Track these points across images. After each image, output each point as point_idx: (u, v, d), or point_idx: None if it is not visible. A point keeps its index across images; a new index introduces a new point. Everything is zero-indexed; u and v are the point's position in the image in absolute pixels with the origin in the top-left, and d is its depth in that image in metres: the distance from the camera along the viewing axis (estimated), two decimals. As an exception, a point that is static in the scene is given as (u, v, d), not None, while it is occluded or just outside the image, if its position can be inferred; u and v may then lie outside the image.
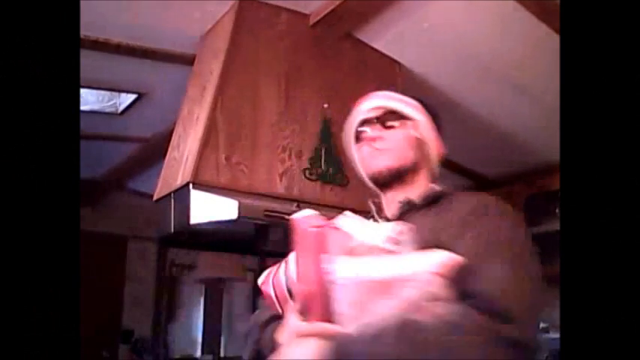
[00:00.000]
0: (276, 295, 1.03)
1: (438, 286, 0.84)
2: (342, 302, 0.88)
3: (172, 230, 1.97)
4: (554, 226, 3.23)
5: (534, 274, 0.92)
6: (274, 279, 1.04)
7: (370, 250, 0.90)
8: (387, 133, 1.10)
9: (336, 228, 0.93)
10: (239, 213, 1.82)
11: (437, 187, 1.12)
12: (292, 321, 0.93)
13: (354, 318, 0.86)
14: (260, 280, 1.08)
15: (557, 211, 3.31)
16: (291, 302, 0.98)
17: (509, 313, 0.83)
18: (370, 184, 1.16)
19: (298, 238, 0.95)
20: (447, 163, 3.88)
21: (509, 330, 0.82)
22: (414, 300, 0.83)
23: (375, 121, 1.11)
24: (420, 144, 1.13)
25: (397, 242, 0.90)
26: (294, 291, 0.98)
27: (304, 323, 0.92)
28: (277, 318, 1.02)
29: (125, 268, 4.57)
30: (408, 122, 1.12)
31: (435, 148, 1.17)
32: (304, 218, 0.96)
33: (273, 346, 0.96)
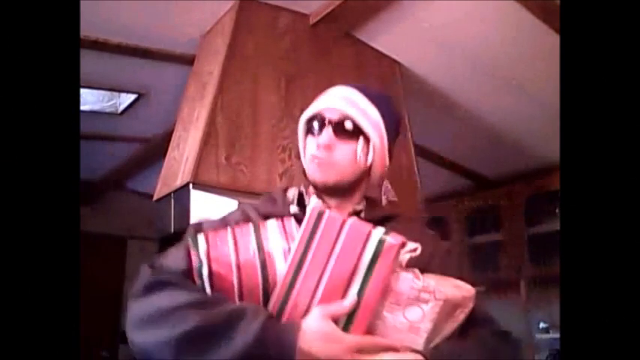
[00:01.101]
0: (240, 283, 0.88)
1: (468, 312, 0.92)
2: (417, 316, 0.87)
3: (172, 230, 1.97)
4: (554, 226, 3.23)
5: None
6: (244, 263, 0.88)
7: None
8: (338, 144, 1.02)
9: (406, 241, 0.90)
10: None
11: (382, 212, 1.09)
12: (337, 331, 0.84)
13: (432, 338, 0.88)
14: (203, 256, 0.89)
15: (557, 211, 3.31)
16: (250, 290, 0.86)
17: (512, 337, 1.00)
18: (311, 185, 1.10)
19: (355, 241, 0.87)
20: (447, 163, 3.88)
21: (513, 352, 1.01)
22: (460, 324, 0.91)
23: (331, 125, 1.02)
24: (365, 162, 1.04)
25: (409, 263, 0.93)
26: (283, 280, 0.86)
27: (367, 337, 0.86)
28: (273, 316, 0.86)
29: (125, 268, 4.57)
30: (361, 137, 1.03)
31: (380, 167, 1.07)
32: (361, 223, 0.90)
33: (301, 354, 0.82)
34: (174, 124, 2.29)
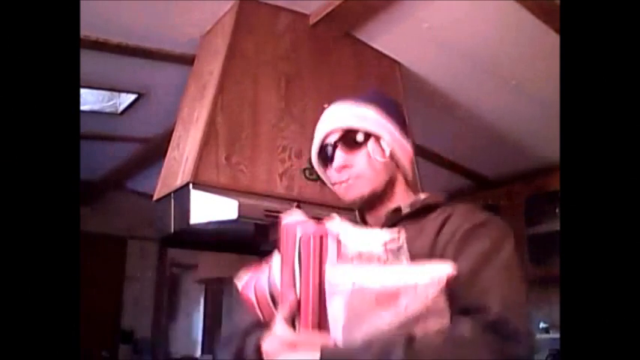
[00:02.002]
0: (257, 301, 0.99)
1: (439, 299, 0.83)
2: (338, 312, 0.85)
3: (172, 230, 1.97)
4: (554, 226, 3.23)
5: (524, 286, 0.95)
6: (256, 284, 1.00)
7: (367, 257, 0.89)
8: (351, 157, 1.03)
9: (332, 234, 0.89)
10: (239, 213, 1.82)
11: (423, 198, 1.08)
12: (280, 329, 0.89)
13: (351, 329, 0.84)
14: (240, 285, 1.04)
15: (557, 211, 3.31)
16: (275, 310, 0.95)
17: (512, 329, 0.84)
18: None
19: (291, 242, 0.90)
20: (447, 163, 3.88)
21: (515, 348, 0.84)
22: (415, 313, 0.83)
23: (337, 145, 1.04)
24: (387, 158, 1.05)
25: (393, 250, 0.89)
26: (279, 297, 0.94)
27: (293, 332, 0.88)
28: (259, 325, 0.98)
29: (125, 268, 4.57)
30: (372, 138, 1.04)
31: (404, 152, 1.09)
32: (298, 222, 0.93)
33: (258, 356, 0.93)
34: (174, 124, 2.28)
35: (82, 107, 2.98)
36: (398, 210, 1.06)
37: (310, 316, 0.87)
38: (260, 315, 0.99)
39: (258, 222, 1.90)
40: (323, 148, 1.07)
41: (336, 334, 0.85)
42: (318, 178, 2.08)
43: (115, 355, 4.29)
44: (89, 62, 2.41)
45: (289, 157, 2.07)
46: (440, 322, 0.84)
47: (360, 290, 0.83)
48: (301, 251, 0.88)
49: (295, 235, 0.90)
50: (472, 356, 0.81)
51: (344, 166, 1.04)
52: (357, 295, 0.83)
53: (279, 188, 2.01)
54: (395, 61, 2.54)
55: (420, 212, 1.04)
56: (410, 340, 0.81)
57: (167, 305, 4.85)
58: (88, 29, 2.30)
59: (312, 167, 2.09)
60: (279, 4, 2.24)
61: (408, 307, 0.82)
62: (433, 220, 1.01)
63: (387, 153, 1.05)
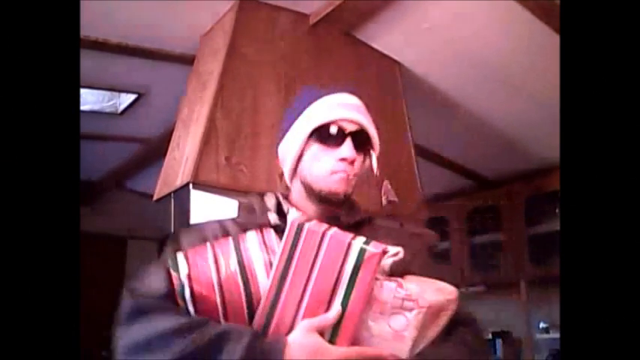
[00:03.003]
0: (224, 301, 0.87)
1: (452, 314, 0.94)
2: (403, 329, 0.87)
3: (172, 230, 1.97)
4: (554, 226, 3.23)
5: None
6: (226, 279, 0.87)
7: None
8: (357, 158, 1.02)
9: (386, 249, 0.90)
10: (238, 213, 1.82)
11: (360, 215, 1.08)
12: (323, 343, 0.84)
13: (416, 345, 0.88)
14: (184, 278, 0.87)
15: (557, 211, 3.31)
16: (246, 313, 0.86)
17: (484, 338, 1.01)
18: (306, 192, 1.05)
19: (336, 253, 0.86)
20: (447, 163, 3.87)
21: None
22: (445, 325, 0.92)
23: (349, 135, 1.01)
24: (375, 174, 1.06)
25: (393, 266, 0.93)
26: (289, 302, 0.86)
27: (345, 348, 0.85)
28: (258, 335, 0.85)
29: (125, 268, 4.57)
30: (370, 150, 1.04)
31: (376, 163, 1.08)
32: (339, 234, 0.89)
33: None
34: (174, 124, 2.28)
35: (82, 107, 2.98)
36: (338, 219, 1.03)
37: (353, 330, 0.86)
38: (214, 316, 0.87)
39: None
40: (332, 125, 1.01)
41: (401, 350, 0.87)
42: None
43: (115, 355, 4.29)
44: (89, 62, 2.42)
45: (289, 157, 2.07)
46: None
47: (424, 312, 0.88)
48: (362, 267, 0.85)
49: (346, 247, 0.86)
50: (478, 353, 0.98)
51: (351, 161, 1.00)
52: (423, 316, 0.88)
53: (279, 188, 2.00)
54: (395, 61, 2.54)
55: (355, 224, 1.04)
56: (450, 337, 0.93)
57: (167, 305, 4.84)
58: (88, 29, 2.30)
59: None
60: (279, 4, 2.24)
61: (443, 320, 0.92)
62: (369, 231, 1.01)
63: (376, 172, 1.05)
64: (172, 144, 2.21)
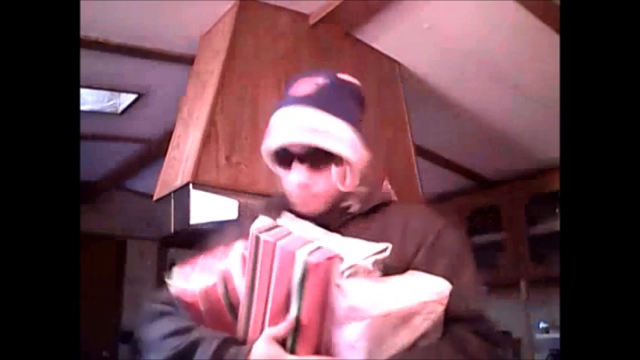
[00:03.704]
0: (209, 309, 0.91)
1: (442, 314, 0.89)
2: (356, 336, 0.84)
3: (172, 230, 1.97)
4: (554, 226, 3.23)
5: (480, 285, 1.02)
6: (206, 290, 0.91)
7: (355, 271, 0.89)
8: (313, 178, 0.99)
9: (336, 256, 0.86)
10: (239, 213, 1.82)
11: (375, 198, 1.06)
12: (277, 351, 0.85)
13: (373, 352, 0.84)
14: (174, 289, 0.95)
15: (557, 211, 3.31)
16: (234, 321, 0.90)
17: (498, 335, 0.94)
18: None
19: (285, 263, 0.85)
20: (447, 163, 3.87)
21: (505, 351, 0.92)
22: (427, 329, 0.87)
23: (297, 158, 0.99)
24: (344, 183, 1.01)
25: (379, 263, 0.90)
26: (243, 309, 0.89)
27: (302, 357, 0.85)
28: (231, 342, 0.90)
29: (125, 269, 4.57)
30: (333, 163, 0.99)
31: (361, 164, 1.03)
32: (290, 242, 0.87)
33: None
34: (174, 124, 2.28)
35: (82, 107, 2.98)
36: (347, 208, 1.03)
37: (313, 340, 0.85)
38: (204, 323, 0.93)
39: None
40: (281, 150, 1.02)
41: (353, 357, 0.84)
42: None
43: (115, 355, 4.29)
44: (89, 62, 2.41)
45: (289, 157, 2.07)
46: (439, 333, 0.89)
47: (383, 315, 0.84)
48: (309, 273, 0.83)
49: (294, 254, 0.85)
50: None
51: (305, 185, 1.00)
52: (380, 320, 0.84)
53: (279, 188, 2.01)
54: (395, 61, 2.54)
55: (369, 211, 1.04)
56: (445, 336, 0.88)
57: (167, 305, 4.84)
58: (88, 29, 2.30)
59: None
60: (279, 4, 2.24)
61: (421, 324, 0.86)
62: (389, 225, 1.01)
63: (353, 182, 1.01)
64: (172, 144, 2.21)
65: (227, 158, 1.94)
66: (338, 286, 0.86)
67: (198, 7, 2.23)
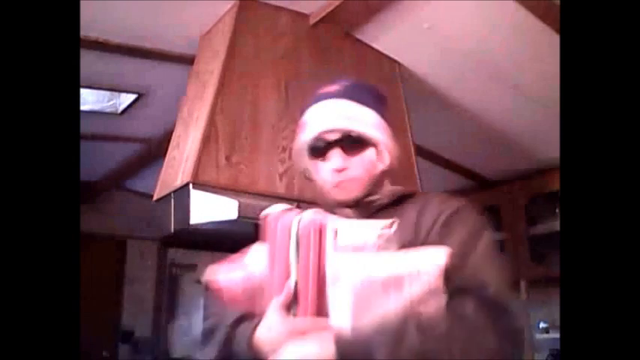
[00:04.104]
0: (243, 294, 1.00)
1: (438, 282, 0.87)
2: (344, 299, 0.87)
3: (172, 230, 1.97)
4: (554, 226, 3.23)
5: (502, 262, 1.00)
6: (240, 277, 1.02)
7: (361, 247, 0.91)
8: (349, 161, 1.04)
9: (330, 224, 0.92)
10: (239, 213, 1.82)
11: (394, 188, 1.11)
12: (277, 318, 0.91)
13: (359, 315, 0.86)
14: (207, 277, 1.04)
15: (557, 211, 3.31)
16: (262, 301, 0.96)
17: (506, 303, 0.91)
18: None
19: (284, 233, 0.94)
20: (447, 163, 3.87)
21: (510, 320, 0.90)
22: (420, 296, 0.86)
23: (334, 145, 1.04)
24: (381, 163, 1.07)
25: (386, 239, 0.92)
26: (269, 288, 0.96)
27: (293, 319, 0.90)
28: (246, 317, 0.98)
29: (125, 269, 4.57)
30: (371, 142, 1.05)
31: (393, 155, 1.09)
32: (287, 213, 0.97)
33: (252, 346, 0.93)
34: (175, 124, 2.28)
35: (82, 107, 2.98)
36: (373, 201, 1.08)
37: (310, 304, 0.90)
38: (244, 308, 1.00)
39: (258, 222, 1.90)
40: (317, 140, 1.06)
41: (342, 320, 0.87)
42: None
43: (115, 355, 4.29)
44: (89, 62, 2.41)
45: (289, 157, 2.07)
46: (438, 302, 0.87)
47: (367, 278, 0.87)
48: (300, 241, 0.92)
49: (290, 226, 0.93)
50: (478, 331, 0.86)
51: (343, 169, 1.04)
52: (365, 283, 0.87)
53: (279, 188, 2.01)
54: (395, 61, 2.54)
55: (394, 202, 1.08)
56: (420, 321, 0.84)
57: (167, 305, 4.84)
58: (88, 29, 2.30)
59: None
60: (279, 4, 2.24)
61: (411, 291, 0.86)
62: (410, 209, 1.04)
63: (386, 161, 1.07)
64: (172, 144, 2.21)
65: (227, 158, 1.94)
66: (330, 253, 0.90)
67: (198, 7, 2.23)
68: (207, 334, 1.02)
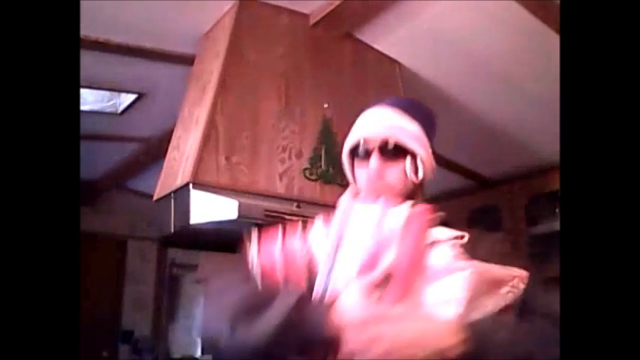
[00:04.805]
0: (286, 267, 0.99)
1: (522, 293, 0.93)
2: (455, 291, 0.88)
3: (172, 230, 1.97)
4: (554, 226, 3.23)
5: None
6: (284, 250, 1.01)
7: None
8: (387, 167, 1.07)
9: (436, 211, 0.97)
10: (239, 213, 1.82)
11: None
12: (366, 298, 0.88)
13: (469, 309, 0.88)
14: (253, 251, 1.03)
15: (557, 211, 3.31)
16: (308, 278, 0.97)
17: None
18: None
19: (379, 217, 0.95)
20: (447, 163, 3.88)
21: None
22: (511, 301, 0.91)
23: (378, 149, 1.08)
24: (416, 177, 1.10)
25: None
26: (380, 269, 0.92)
27: (395, 305, 0.88)
28: (305, 298, 0.93)
29: (125, 269, 4.57)
30: (409, 155, 1.09)
31: (429, 171, 1.12)
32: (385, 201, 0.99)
33: (331, 323, 0.87)
34: (175, 124, 2.29)
35: (82, 107, 2.98)
36: None
37: (403, 290, 0.89)
38: (282, 283, 0.99)
39: (258, 222, 1.91)
40: (359, 145, 1.10)
41: (450, 312, 0.88)
42: (318, 178, 2.10)
43: (115, 355, 4.29)
44: (89, 62, 2.41)
45: (289, 157, 2.07)
46: (516, 312, 0.92)
47: (479, 273, 0.90)
48: (408, 225, 0.93)
49: (413, 214, 0.95)
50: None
51: (380, 172, 1.06)
52: (477, 277, 0.89)
53: (279, 188, 2.01)
54: (395, 61, 2.54)
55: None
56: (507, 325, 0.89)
57: (167, 305, 4.84)
58: (88, 29, 2.30)
59: (312, 167, 2.11)
60: (279, 4, 2.24)
61: (507, 295, 0.91)
62: None
63: (421, 175, 1.09)
64: (172, 144, 2.22)
65: (227, 158, 1.94)
66: (434, 244, 0.94)
67: (198, 7, 2.23)
68: (256, 309, 0.92)
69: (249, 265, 1.03)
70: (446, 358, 0.82)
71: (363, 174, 1.10)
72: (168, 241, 4.46)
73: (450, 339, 0.83)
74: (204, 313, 1.01)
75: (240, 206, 1.82)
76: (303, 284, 0.97)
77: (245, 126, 2.03)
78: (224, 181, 1.91)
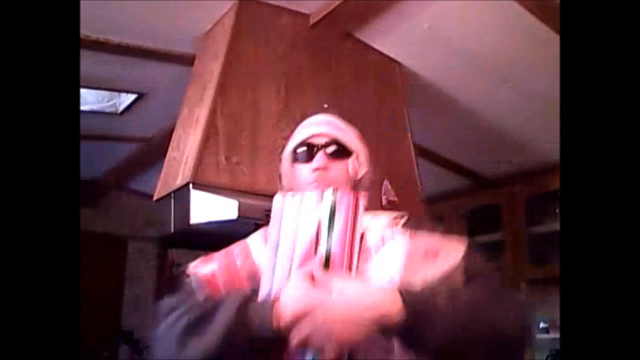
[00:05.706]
0: (223, 282, 1.03)
1: (462, 262, 0.95)
2: (391, 261, 0.93)
3: (172, 230, 1.97)
4: (554, 226, 3.23)
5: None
6: (226, 265, 1.06)
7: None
8: (331, 164, 1.12)
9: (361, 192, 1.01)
10: (239, 213, 1.82)
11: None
12: (309, 285, 0.88)
13: (408, 277, 0.91)
14: (192, 269, 1.09)
15: (557, 211, 3.31)
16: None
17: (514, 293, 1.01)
18: None
19: (309, 207, 0.98)
20: (447, 163, 3.88)
21: (522, 307, 1.06)
22: (450, 269, 0.93)
23: (320, 148, 1.13)
24: (356, 175, 1.15)
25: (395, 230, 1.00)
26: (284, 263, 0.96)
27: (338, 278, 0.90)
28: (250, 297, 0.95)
29: (125, 268, 4.57)
30: (351, 154, 1.14)
31: (367, 169, 1.17)
32: (300, 193, 1.03)
33: (275, 317, 0.87)
34: (175, 124, 2.28)
35: (82, 107, 2.98)
36: None
37: (345, 270, 0.92)
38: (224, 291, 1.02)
39: (258, 222, 1.90)
40: (304, 144, 1.15)
41: (384, 279, 0.91)
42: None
43: (115, 355, 4.29)
44: (89, 62, 2.41)
45: (289, 157, 2.07)
46: (461, 279, 0.94)
47: (416, 241, 0.95)
48: (337, 209, 0.96)
49: (321, 198, 0.98)
50: (492, 309, 0.91)
51: (325, 168, 1.10)
52: (413, 244, 0.95)
53: (279, 188, 2.01)
54: (395, 61, 2.54)
55: None
56: (469, 286, 0.92)
57: (167, 305, 4.84)
58: (88, 29, 2.30)
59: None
60: (279, 4, 2.24)
61: (446, 263, 0.93)
62: None
63: (361, 173, 1.15)
64: (172, 144, 2.21)
65: (227, 158, 1.94)
66: (372, 227, 0.98)
67: (198, 7, 2.23)
68: (201, 321, 0.94)
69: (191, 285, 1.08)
70: (386, 326, 0.83)
71: (306, 171, 1.13)
72: (169, 241, 4.47)
73: (388, 306, 0.83)
74: (154, 339, 1.01)
75: (240, 206, 1.82)
76: (247, 288, 0.99)
77: (245, 126, 2.03)
78: (224, 181, 1.91)
